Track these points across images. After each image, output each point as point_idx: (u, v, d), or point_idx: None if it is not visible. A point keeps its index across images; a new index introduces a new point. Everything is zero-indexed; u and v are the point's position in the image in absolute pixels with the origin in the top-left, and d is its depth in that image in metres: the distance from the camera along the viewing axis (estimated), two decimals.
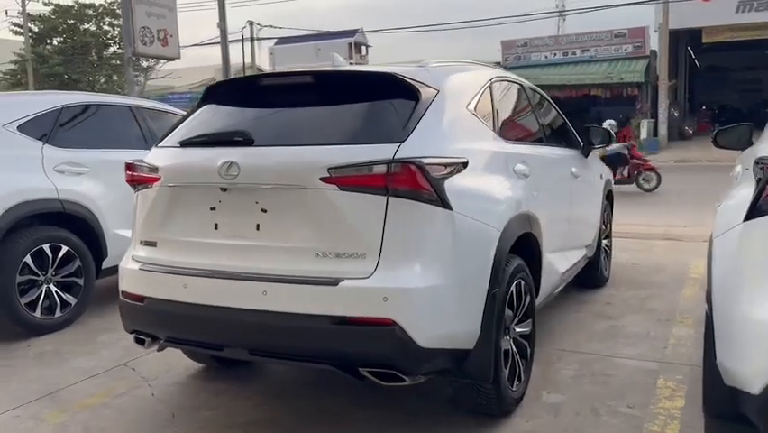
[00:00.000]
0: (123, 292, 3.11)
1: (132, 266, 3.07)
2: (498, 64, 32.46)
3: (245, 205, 2.76)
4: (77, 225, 4.87)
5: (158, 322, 2.98)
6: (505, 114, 3.67)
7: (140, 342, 3.12)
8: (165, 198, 2.98)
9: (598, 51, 28.93)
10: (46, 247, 4.67)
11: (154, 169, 3.01)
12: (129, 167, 3.16)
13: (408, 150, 2.62)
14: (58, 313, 4.74)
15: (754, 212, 2.19)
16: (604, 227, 5.54)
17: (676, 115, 28.74)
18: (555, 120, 4.72)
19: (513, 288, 3.14)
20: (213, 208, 2.84)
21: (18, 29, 37.66)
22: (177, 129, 3.20)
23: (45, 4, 37.13)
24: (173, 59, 14.17)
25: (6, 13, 39.15)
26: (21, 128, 4.73)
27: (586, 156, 4.98)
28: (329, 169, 2.59)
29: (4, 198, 4.44)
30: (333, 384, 3.52)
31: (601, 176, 5.30)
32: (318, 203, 2.62)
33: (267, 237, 2.73)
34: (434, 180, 2.62)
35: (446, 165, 2.73)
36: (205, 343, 2.91)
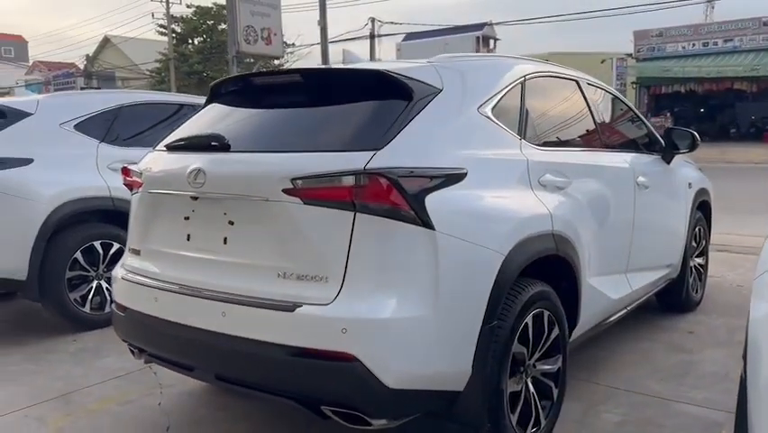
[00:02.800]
0: (113, 299, 3.01)
1: (118, 273, 2.95)
2: (629, 56, 30.56)
3: (214, 216, 2.53)
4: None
5: (135, 334, 2.85)
6: (540, 115, 3.18)
7: (132, 352, 3.00)
8: (146, 204, 2.84)
9: (744, 41, 26.32)
10: (97, 244, 4.76)
11: (139, 174, 2.87)
12: (124, 170, 3.05)
13: (384, 159, 2.26)
14: (107, 309, 4.81)
15: None
16: (694, 244, 4.82)
17: None
18: (624, 121, 4.13)
19: (529, 319, 2.69)
20: (186, 218, 2.64)
21: (163, 30, 40.49)
22: (176, 131, 3.04)
23: (188, 6, 39.64)
24: (277, 58, 14.43)
25: (153, 15, 42.28)
26: (78, 127, 4.85)
27: (668, 162, 4.32)
28: (293, 179, 2.29)
29: (57, 195, 4.56)
30: None
31: (690, 185, 4.59)
32: (281, 217, 2.34)
33: (232, 252, 2.49)
34: (410, 195, 2.25)
35: (431, 177, 2.34)
36: (176, 362, 2.73)
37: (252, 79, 2.94)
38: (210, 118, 2.98)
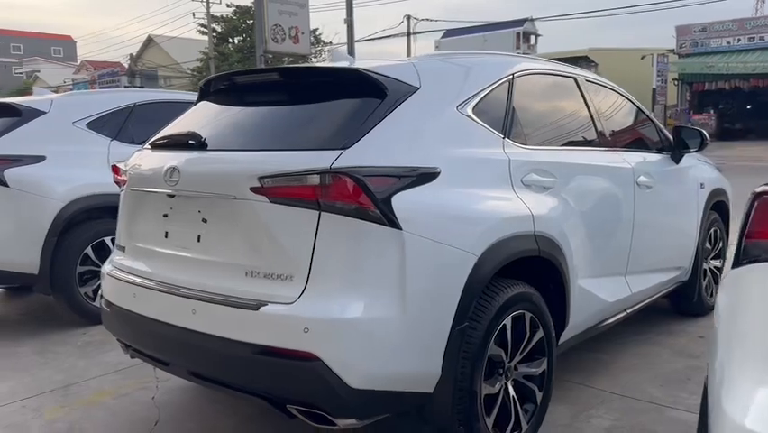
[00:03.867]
0: (101, 295, 3.07)
1: (106, 269, 3.01)
2: (671, 51, 29.79)
3: (189, 214, 2.56)
4: None
5: (119, 329, 2.90)
6: (529, 113, 3.12)
7: (121, 346, 3.06)
8: (130, 201, 2.89)
9: None
10: (107, 240, 4.85)
11: (125, 171, 2.92)
12: (113, 168, 3.11)
13: (350, 158, 2.25)
14: None
15: (739, 257, 1.58)
16: (708, 246, 4.67)
17: None
18: (629, 120, 4.01)
19: (508, 321, 2.64)
20: (165, 216, 2.68)
21: (203, 29, 41.18)
22: (164, 129, 3.08)
23: (228, 6, 40.22)
24: (304, 57, 14.52)
25: (194, 15, 43.09)
26: (90, 125, 4.96)
27: (677, 162, 4.20)
28: (260, 178, 2.30)
29: (68, 191, 4.67)
30: None
31: (702, 185, 4.44)
32: (248, 216, 2.35)
33: (205, 250, 2.51)
34: (376, 195, 2.23)
35: (399, 176, 2.32)
36: (154, 357, 2.76)
37: (236, 78, 2.95)
38: (195, 116, 3.01)
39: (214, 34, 40.99)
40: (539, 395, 2.88)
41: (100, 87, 36.51)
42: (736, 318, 1.54)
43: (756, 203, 1.55)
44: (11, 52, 77.56)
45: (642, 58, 29.08)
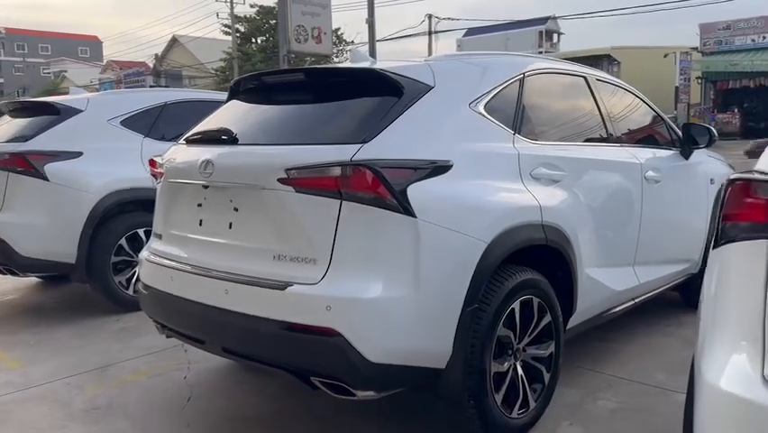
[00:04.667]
0: (139, 279, 3.31)
1: (144, 255, 3.24)
2: (694, 50, 29.55)
3: (222, 203, 2.78)
4: None
5: (156, 310, 3.13)
6: (539, 110, 3.30)
7: (157, 327, 3.29)
8: (167, 193, 3.12)
9: None
10: (140, 231, 5.12)
11: (161, 165, 3.16)
12: (150, 162, 3.35)
13: (369, 151, 2.45)
14: None
15: (717, 238, 1.75)
16: None
17: None
18: (639, 117, 4.16)
19: (516, 305, 2.83)
20: (199, 205, 2.90)
21: (227, 29, 41.73)
22: (197, 126, 3.32)
23: (251, 6, 40.68)
24: (326, 56, 14.77)
25: (217, 15, 43.70)
26: (124, 123, 5.23)
27: (686, 158, 4.34)
28: (286, 170, 2.51)
29: (104, 186, 4.95)
30: None
31: (712, 180, 4.57)
32: (276, 204, 2.56)
33: (236, 236, 2.73)
34: (393, 185, 2.43)
35: (415, 168, 2.52)
36: (190, 336, 2.99)
37: (264, 78, 3.18)
38: (226, 114, 3.23)
39: (238, 34, 41.54)
40: (547, 376, 3.06)
41: (126, 87, 37.17)
42: (714, 293, 1.71)
43: (730, 189, 1.72)
44: (39, 53, 79.21)
45: (665, 56, 28.89)
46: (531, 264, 2.94)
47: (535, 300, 2.94)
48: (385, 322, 2.42)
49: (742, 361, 1.56)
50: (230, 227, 2.76)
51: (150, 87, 33.91)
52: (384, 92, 2.71)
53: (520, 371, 2.92)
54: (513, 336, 2.85)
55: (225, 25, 41.82)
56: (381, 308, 2.42)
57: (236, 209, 2.73)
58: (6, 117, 5.60)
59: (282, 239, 2.56)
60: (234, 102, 3.32)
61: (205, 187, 2.84)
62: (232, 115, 3.20)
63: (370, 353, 2.39)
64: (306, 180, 2.49)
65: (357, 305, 2.40)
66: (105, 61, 68.62)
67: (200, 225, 2.90)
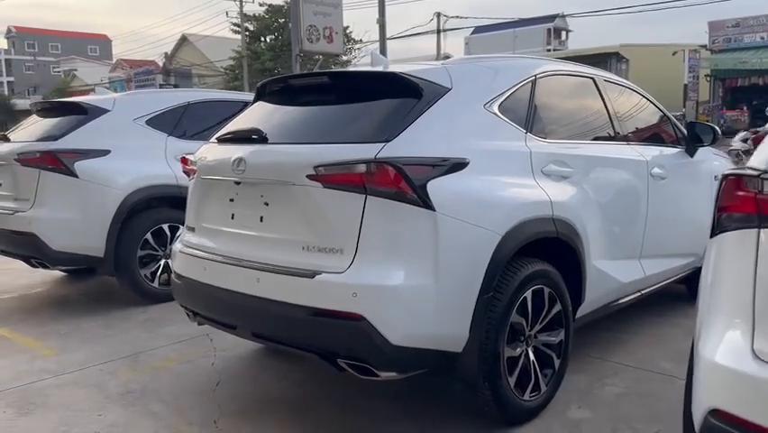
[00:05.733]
0: (172, 270, 3.51)
1: (177, 247, 3.45)
2: (703, 47, 29.56)
3: (253, 198, 2.98)
4: None
5: (189, 299, 3.33)
6: (550, 110, 3.49)
7: (188, 315, 3.50)
8: (200, 188, 3.32)
9: None
10: (165, 226, 5.34)
11: (194, 162, 3.36)
12: (183, 160, 3.56)
13: (392, 149, 2.65)
14: None
15: (714, 229, 1.93)
16: None
17: None
18: (645, 116, 4.33)
19: (528, 293, 3.02)
20: (231, 200, 3.10)
21: (236, 28, 41.96)
22: (226, 126, 3.51)
23: (260, 5, 40.89)
24: (337, 56, 14.96)
25: (227, 14, 43.97)
26: (149, 122, 5.45)
27: (691, 155, 4.51)
28: (315, 167, 2.71)
29: (130, 182, 5.16)
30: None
31: (716, 177, 4.73)
32: (305, 199, 2.76)
33: (267, 229, 2.93)
34: (413, 181, 2.62)
35: (434, 165, 2.71)
36: (221, 322, 3.19)
37: (289, 80, 3.38)
38: (254, 114, 3.43)
39: (247, 33, 41.76)
40: (557, 362, 3.24)
41: (136, 86, 37.46)
42: (711, 279, 1.89)
43: (724, 183, 1.91)
44: (49, 51, 79.75)
45: (673, 54, 28.91)
46: (542, 256, 3.13)
47: (546, 290, 3.12)
48: (407, 308, 2.62)
49: (735, 337, 1.74)
50: (261, 220, 2.95)
51: (161, 85, 34.20)
52: (404, 94, 2.90)
53: (532, 356, 3.10)
54: (525, 323, 3.04)
55: (235, 24, 42.05)
56: (403, 295, 2.61)
57: (267, 204, 2.92)
58: (34, 117, 5.82)
59: (311, 231, 2.76)
60: (261, 103, 3.52)
61: (237, 183, 3.03)
62: (260, 115, 3.39)
63: (392, 336, 2.58)
64: (333, 177, 2.68)
65: (381, 292, 2.59)
66: (114, 60, 69.10)
67: (232, 218, 3.10)
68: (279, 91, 3.45)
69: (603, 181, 3.60)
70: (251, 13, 42.12)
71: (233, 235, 3.09)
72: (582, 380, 3.58)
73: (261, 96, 3.56)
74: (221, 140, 3.33)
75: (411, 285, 2.61)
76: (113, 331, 4.71)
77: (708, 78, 29.54)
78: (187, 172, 3.53)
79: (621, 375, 3.67)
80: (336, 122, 2.98)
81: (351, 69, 3.40)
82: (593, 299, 3.52)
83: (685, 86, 28.28)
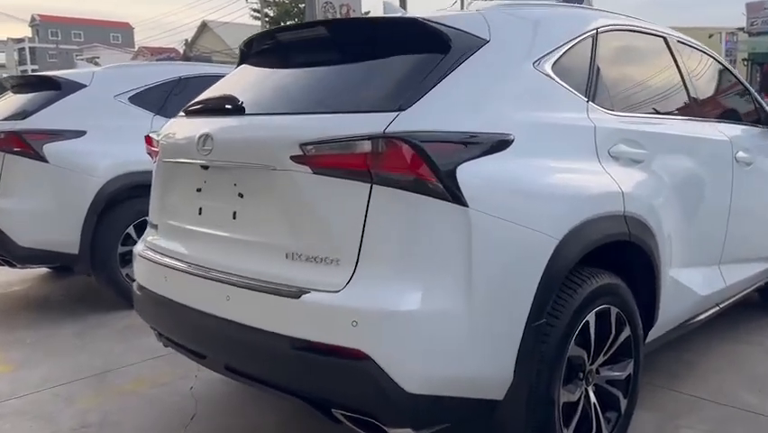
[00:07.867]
0: (133, 277, 2.80)
1: (137, 249, 2.74)
2: (741, 30, 28.22)
3: (224, 187, 2.25)
4: None
5: (150, 316, 2.63)
6: (615, 75, 2.70)
7: (155, 334, 2.80)
8: (162, 174, 2.61)
9: None
10: None
11: (157, 141, 2.64)
12: (146, 139, 2.85)
13: (408, 121, 1.89)
14: None
15: None
16: None
17: None
18: (724, 88, 3.53)
19: (591, 317, 2.26)
20: (198, 190, 2.38)
21: (256, 14, 41.32)
22: (200, 95, 2.79)
23: None
24: None
25: (246, 0, 43.26)
26: (132, 99, 4.75)
27: None
28: (301, 145, 1.97)
29: (109, 168, 4.47)
30: None
31: None
32: (289, 189, 2.02)
33: (241, 229, 2.20)
34: (438, 165, 1.87)
35: (465, 143, 1.95)
36: (188, 348, 2.48)
37: (279, 35, 2.62)
38: (235, 80, 2.71)
39: (267, 19, 41.05)
40: (623, 402, 2.48)
41: None
42: None
43: None
44: (72, 39, 79.95)
45: (710, 36, 27.61)
46: (607, 265, 2.36)
47: (613, 310, 2.37)
48: (427, 342, 1.87)
49: None
50: (233, 217, 2.22)
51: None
52: (426, 47, 2.13)
53: (593, 398, 2.35)
54: (586, 356, 2.28)
55: (254, 10, 41.43)
56: (423, 325, 1.86)
57: (241, 195, 2.19)
58: (9, 93, 5.16)
59: (296, 233, 2.02)
60: (245, 66, 2.78)
61: (205, 168, 2.31)
62: (241, 81, 2.66)
63: (407, 382, 1.84)
64: (325, 158, 1.94)
65: (391, 320, 1.84)
66: (136, 47, 68.93)
67: (199, 213, 2.38)
68: (268, 50, 2.69)
69: (681, 168, 2.81)
70: None
71: (199, 236, 2.37)
72: (650, 419, 2.83)
73: (246, 57, 2.82)
74: (189, 112, 2.61)
75: (433, 310, 1.86)
76: (84, 341, 4.05)
77: (746, 62, 28.21)
78: (151, 154, 2.82)
79: (697, 413, 2.91)
80: (335, 85, 2.23)
81: (355, 17, 2.61)
82: (668, 318, 2.76)
83: None
